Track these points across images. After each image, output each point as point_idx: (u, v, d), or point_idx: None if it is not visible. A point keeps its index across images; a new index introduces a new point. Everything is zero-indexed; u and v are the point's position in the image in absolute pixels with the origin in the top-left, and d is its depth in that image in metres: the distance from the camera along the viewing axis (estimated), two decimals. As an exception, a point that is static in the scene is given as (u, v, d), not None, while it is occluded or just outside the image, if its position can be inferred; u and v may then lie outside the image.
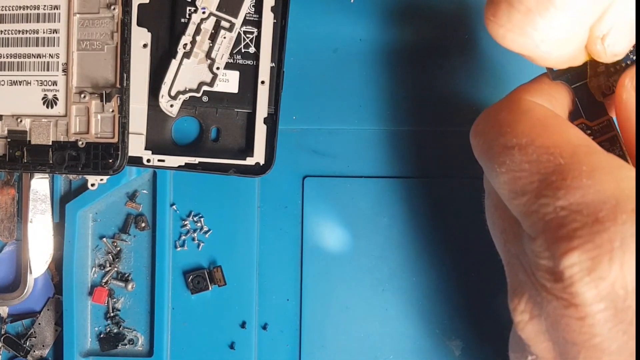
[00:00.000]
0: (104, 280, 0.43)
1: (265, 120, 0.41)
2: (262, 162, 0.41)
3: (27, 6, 0.39)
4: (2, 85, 0.40)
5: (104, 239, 0.43)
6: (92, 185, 0.42)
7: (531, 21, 0.28)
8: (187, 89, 0.40)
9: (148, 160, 0.41)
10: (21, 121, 0.40)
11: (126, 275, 0.43)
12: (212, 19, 0.40)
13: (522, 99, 0.30)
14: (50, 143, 0.39)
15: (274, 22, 0.40)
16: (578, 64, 0.31)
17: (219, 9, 0.40)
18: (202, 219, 0.42)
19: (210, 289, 0.42)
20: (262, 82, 0.40)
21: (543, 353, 0.30)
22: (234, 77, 0.41)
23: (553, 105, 0.31)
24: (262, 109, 0.41)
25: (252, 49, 0.40)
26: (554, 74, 0.32)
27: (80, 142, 0.39)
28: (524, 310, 0.29)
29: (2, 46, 0.40)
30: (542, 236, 0.27)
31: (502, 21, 0.28)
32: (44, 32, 0.39)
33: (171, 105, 0.40)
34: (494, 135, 0.30)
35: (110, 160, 0.39)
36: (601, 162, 0.27)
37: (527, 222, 0.28)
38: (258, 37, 0.40)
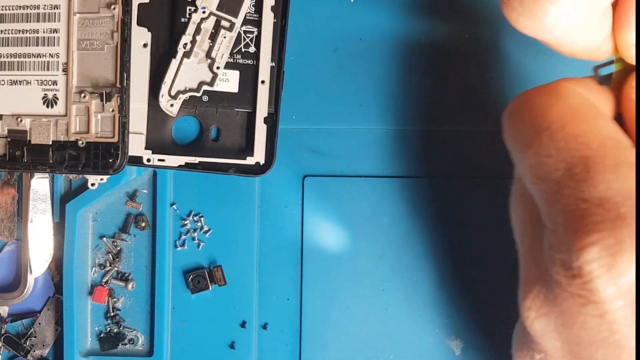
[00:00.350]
0: (104, 280, 0.43)
1: (265, 120, 0.41)
2: (262, 161, 0.41)
3: (27, 6, 0.39)
4: (2, 85, 0.40)
5: (104, 238, 0.43)
6: (92, 184, 0.42)
7: (540, 6, 0.28)
8: (187, 89, 0.40)
9: (148, 160, 0.41)
10: (21, 121, 0.40)
11: (126, 275, 0.43)
12: (212, 19, 0.40)
13: (560, 85, 0.30)
14: (51, 143, 0.39)
15: (274, 22, 0.40)
16: (602, 57, 0.31)
17: (219, 8, 0.40)
18: (202, 219, 0.42)
19: (210, 288, 0.42)
20: (262, 82, 0.40)
21: (552, 351, 0.29)
22: (234, 76, 0.41)
23: (593, 98, 0.30)
24: (262, 109, 0.41)
25: (252, 49, 0.40)
26: (600, 79, 0.31)
27: (80, 142, 0.39)
28: (535, 307, 0.29)
29: (2, 46, 0.40)
30: (561, 228, 0.27)
31: (514, 4, 0.28)
32: (44, 32, 0.39)
33: (171, 105, 0.40)
34: (526, 116, 0.29)
35: (111, 160, 0.39)
36: (627, 157, 0.27)
37: (547, 211, 0.28)
38: (258, 37, 0.40)
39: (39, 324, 0.44)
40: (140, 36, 0.40)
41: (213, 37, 0.40)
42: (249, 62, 0.40)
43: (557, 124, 0.28)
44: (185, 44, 0.40)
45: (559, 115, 0.28)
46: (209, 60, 0.40)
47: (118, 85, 0.39)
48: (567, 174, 0.27)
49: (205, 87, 0.40)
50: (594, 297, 0.26)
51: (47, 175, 0.43)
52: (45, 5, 0.39)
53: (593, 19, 0.29)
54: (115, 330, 0.43)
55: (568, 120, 0.28)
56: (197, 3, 0.40)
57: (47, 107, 0.39)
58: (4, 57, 0.40)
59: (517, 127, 0.30)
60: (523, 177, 0.30)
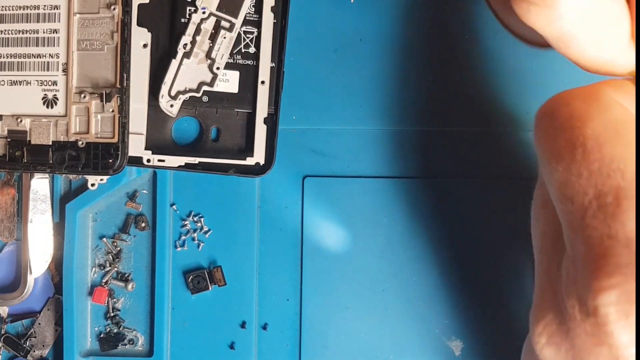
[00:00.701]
0: (104, 280, 0.43)
1: (265, 120, 0.41)
2: (262, 162, 0.41)
3: (27, 6, 0.39)
4: (2, 85, 0.40)
5: (104, 239, 0.43)
6: (92, 185, 0.42)
7: None
8: (187, 89, 0.40)
9: (148, 160, 0.41)
10: (21, 121, 0.39)
11: (126, 275, 0.43)
12: (212, 19, 0.40)
13: (602, 92, 0.27)
14: (50, 143, 0.39)
15: (274, 22, 0.40)
16: (619, 72, 0.29)
17: (219, 9, 0.40)
18: (202, 219, 0.42)
19: (210, 289, 0.42)
20: (262, 82, 0.40)
21: None
22: (234, 77, 0.41)
23: (631, 106, 0.28)
24: (262, 109, 0.41)
25: (252, 49, 0.40)
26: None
27: (80, 142, 0.39)
28: (546, 334, 0.28)
29: (2, 46, 0.40)
30: (582, 261, 0.25)
31: None
32: (44, 32, 0.39)
33: (171, 105, 0.40)
34: (561, 124, 0.27)
35: (110, 160, 0.39)
36: None
37: (570, 235, 0.26)
38: (258, 37, 0.40)
39: (39, 324, 0.44)
40: (140, 36, 0.40)
41: (213, 37, 0.40)
42: (249, 62, 0.40)
43: (594, 142, 0.26)
44: (185, 44, 0.40)
45: (597, 131, 0.26)
46: (209, 61, 0.40)
47: (118, 85, 0.39)
48: (596, 202, 0.25)
49: (205, 88, 0.40)
50: (608, 340, 0.24)
51: (47, 175, 0.43)
52: (45, 6, 0.39)
53: (609, 14, 0.27)
54: (115, 331, 0.43)
55: (606, 140, 0.25)
56: (197, 3, 0.40)
57: (47, 107, 0.39)
58: (4, 57, 0.40)
59: (549, 134, 0.27)
60: (549, 187, 0.28)
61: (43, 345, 0.44)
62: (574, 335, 0.26)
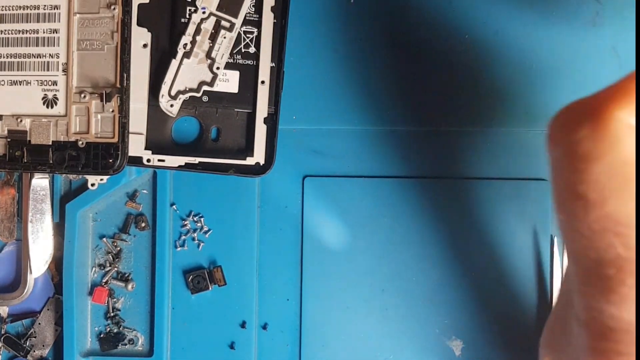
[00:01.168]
0: (104, 280, 0.43)
1: (265, 120, 0.41)
2: (262, 162, 0.41)
3: (27, 6, 0.39)
4: (2, 85, 0.40)
5: (104, 238, 0.43)
6: (92, 185, 0.42)
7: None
8: (187, 89, 0.40)
9: (148, 160, 0.41)
10: (21, 121, 0.39)
11: (126, 275, 0.43)
12: (212, 19, 0.40)
13: (612, 117, 0.22)
14: (50, 143, 0.39)
15: (274, 22, 0.40)
16: None
17: (219, 8, 0.40)
18: (202, 219, 0.42)
19: (210, 288, 0.42)
20: (262, 82, 0.40)
21: None
22: (234, 77, 0.41)
23: None
24: (262, 109, 0.41)
25: (252, 49, 0.40)
26: None
27: (80, 142, 0.39)
28: None
29: (2, 46, 0.40)
30: (584, 329, 0.23)
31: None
32: (44, 32, 0.39)
33: (171, 105, 0.40)
34: (566, 162, 0.22)
35: (110, 160, 0.39)
36: None
37: (575, 288, 0.23)
38: (258, 37, 0.40)
39: (39, 324, 0.44)
40: (140, 36, 0.40)
41: (213, 37, 0.40)
42: (249, 62, 0.40)
43: (597, 196, 0.21)
44: (185, 44, 0.40)
45: (602, 179, 0.21)
46: (209, 61, 0.40)
47: (118, 85, 0.39)
48: (597, 270, 0.21)
49: (205, 88, 0.40)
50: None
51: (47, 175, 0.43)
52: (45, 6, 0.39)
53: None
54: (115, 331, 0.43)
55: (612, 192, 0.21)
56: (197, 3, 0.40)
57: (47, 107, 0.39)
58: (4, 57, 0.40)
59: (556, 166, 0.23)
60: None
61: (43, 345, 0.44)
62: None
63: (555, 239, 0.40)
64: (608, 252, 0.21)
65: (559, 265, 0.40)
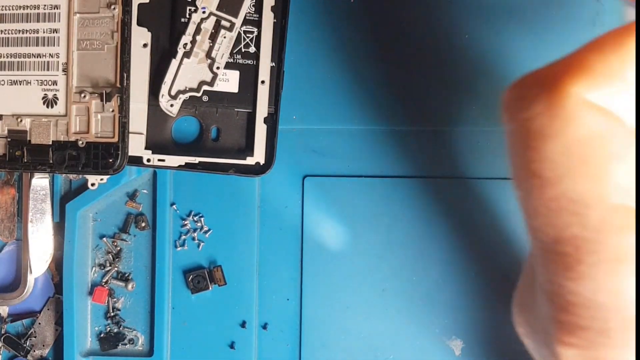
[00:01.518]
0: (104, 280, 0.43)
1: (265, 120, 0.41)
2: (262, 161, 0.41)
3: (27, 6, 0.39)
4: (2, 85, 0.40)
5: (104, 238, 0.43)
6: (92, 185, 0.42)
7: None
8: (187, 89, 0.40)
9: (148, 160, 0.41)
10: (21, 121, 0.39)
11: (126, 275, 0.43)
12: (212, 19, 0.40)
13: (567, 94, 0.21)
14: (50, 143, 0.39)
15: (274, 22, 0.40)
16: None
17: (219, 8, 0.40)
18: (202, 219, 0.42)
19: (210, 288, 0.42)
20: (262, 82, 0.40)
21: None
22: (234, 76, 0.41)
23: (618, 100, 0.21)
24: (262, 109, 0.41)
25: (252, 49, 0.40)
26: None
27: (80, 142, 0.39)
28: (522, 327, 0.27)
29: (2, 46, 0.40)
30: (547, 299, 0.23)
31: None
32: (44, 32, 0.39)
33: (171, 105, 0.40)
34: (520, 139, 0.22)
35: (110, 160, 0.39)
36: (629, 251, 0.20)
37: (537, 268, 0.23)
38: (258, 37, 0.40)
39: (39, 324, 0.44)
40: (140, 36, 0.40)
41: (213, 37, 0.40)
42: (249, 62, 0.40)
43: (552, 174, 0.21)
44: (185, 44, 0.40)
45: (557, 156, 0.21)
46: (209, 60, 0.40)
47: (118, 85, 0.39)
48: (555, 247, 0.21)
49: (205, 87, 0.40)
50: None
51: (47, 175, 0.43)
52: (45, 5, 0.39)
53: None
54: (115, 330, 0.43)
55: (568, 170, 0.20)
56: (197, 3, 0.40)
57: (47, 107, 0.39)
58: (4, 57, 0.40)
59: (507, 132, 0.23)
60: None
61: (43, 345, 0.44)
62: (542, 346, 0.25)
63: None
64: (565, 231, 0.21)
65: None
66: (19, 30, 0.39)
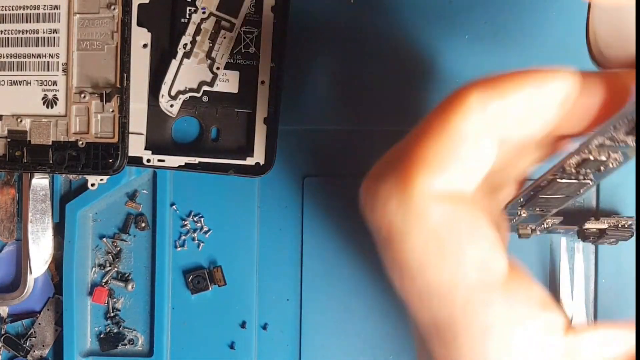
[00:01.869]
0: (104, 280, 0.43)
1: (265, 120, 0.41)
2: (262, 162, 0.41)
3: (27, 6, 0.39)
4: (2, 85, 0.40)
5: (104, 239, 0.43)
6: (92, 185, 0.42)
7: None
8: (187, 89, 0.40)
9: (148, 160, 0.41)
10: (21, 121, 0.39)
11: (126, 275, 0.43)
12: (212, 19, 0.40)
13: (416, 190, 0.22)
14: (50, 143, 0.39)
15: (274, 22, 0.40)
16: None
17: (219, 8, 0.40)
18: (202, 219, 0.42)
19: (210, 289, 0.42)
20: (262, 82, 0.40)
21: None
22: (234, 77, 0.41)
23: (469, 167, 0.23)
24: (262, 109, 0.41)
25: (252, 49, 0.40)
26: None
27: (80, 142, 0.39)
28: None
29: (2, 46, 0.39)
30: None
31: None
32: (44, 32, 0.39)
33: (171, 105, 0.40)
34: (380, 235, 0.23)
35: (110, 160, 0.39)
36: (495, 321, 0.22)
37: (421, 343, 0.24)
38: (258, 37, 0.40)
39: (39, 324, 0.44)
40: (140, 36, 0.40)
41: (213, 37, 0.40)
42: (249, 62, 0.40)
43: (417, 264, 0.22)
44: (185, 44, 0.40)
45: (417, 249, 0.22)
46: (209, 61, 0.40)
47: (118, 85, 0.38)
48: (435, 329, 0.22)
49: (205, 88, 0.40)
50: None
51: (47, 175, 0.43)
52: (45, 6, 0.39)
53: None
54: (115, 331, 0.43)
55: (429, 260, 0.22)
56: (197, 3, 0.40)
57: (47, 107, 0.39)
58: (4, 57, 0.40)
59: (369, 224, 0.24)
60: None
61: (43, 345, 0.44)
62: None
63: (562, 240, 0.40)
64: (440, 315, 0.22)
65: (566, 267, 0.40)
66: (19, 31, 0.39)
